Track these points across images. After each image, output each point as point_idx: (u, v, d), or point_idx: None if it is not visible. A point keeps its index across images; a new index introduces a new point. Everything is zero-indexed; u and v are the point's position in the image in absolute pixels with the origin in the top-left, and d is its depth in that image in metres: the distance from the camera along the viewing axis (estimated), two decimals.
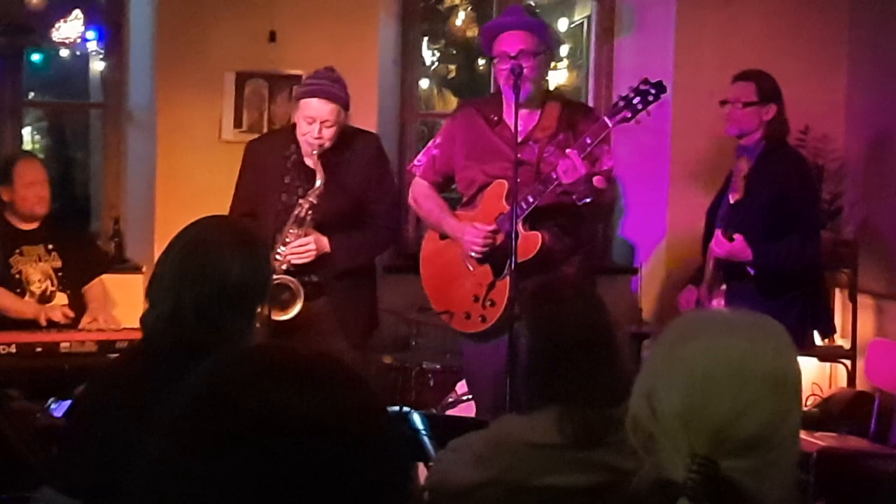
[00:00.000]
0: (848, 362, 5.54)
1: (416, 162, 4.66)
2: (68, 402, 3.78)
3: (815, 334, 5.07)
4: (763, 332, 1.65)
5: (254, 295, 2.35)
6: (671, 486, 1.56)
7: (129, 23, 5.85)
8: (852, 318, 5.59)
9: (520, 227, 4.16)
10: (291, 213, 4.39)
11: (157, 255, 2.52)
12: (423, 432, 3.19)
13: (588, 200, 4.18)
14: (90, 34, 5.98)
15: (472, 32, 7.56)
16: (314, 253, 4.37)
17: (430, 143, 4.68)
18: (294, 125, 4.49)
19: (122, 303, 5.28)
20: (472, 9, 7.33)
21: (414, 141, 6.14)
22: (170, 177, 5.61)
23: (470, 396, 4.72)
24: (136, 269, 5.53)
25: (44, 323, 4.78)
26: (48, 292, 4.98)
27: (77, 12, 5.92)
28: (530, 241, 4.17)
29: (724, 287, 4.63)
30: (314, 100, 4.38)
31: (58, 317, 4.81)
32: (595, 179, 4.30)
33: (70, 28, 5.92)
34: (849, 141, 5.97)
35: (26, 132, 7.20)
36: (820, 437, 4.63)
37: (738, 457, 1.56)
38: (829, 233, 5.66)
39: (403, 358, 5.12)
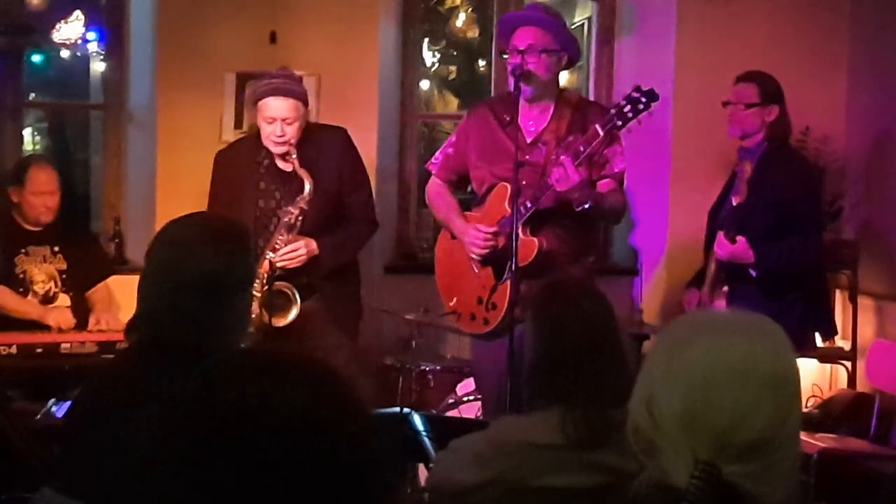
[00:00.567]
0: (848, 363, 5.53)
1: (433, 160, 4.66)
2: (69, 403, 3.78)
3: (817, 336, 5.07)
4: (762, 333, 1.64)
5: (230, 284, 2.33)
6: (673, 492, 1.56)
7: (129, 24, 5.85)
8: (853, 319, 5.59)
9: (520, 230, 4.15)
10: (270, 217, 4.43)
11: None
12: (424, 433, 3.19)
13: (587, 206, 4.14)
14: (91, 35, 5.99)
15: (473, 33, 7.58)
16: (305, 257, 4.40)
17: (446, 142, 4.68)
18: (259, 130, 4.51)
19: (123, 303, 5.27)
20: (472, 10, 7.34)
21: (414, 142, 6.14)
22: (170, 177, 5.61)
23: (471, 397, 4.72)
24: (137, 270, 5.51)
25: (52, 325, 4.77)
26: (51, 293, 4.98)
27: (78, 13, 5.92)
28: (527, 247, 4.16)
29: (725, 288, 4.63)
30: (270, 98, 4.41)
31: (64, 322, 4.80)
32: (601, 183, 4.28)
33: (71, 29, 5.92)
34: (849, 142, 5.97)
35: (27, 133, 7.21)
36: (820, 438, 4.63)
37: (740, 461, 1.55)
38: (830, 234, 5.66)
39: (404, 359, 5.11)
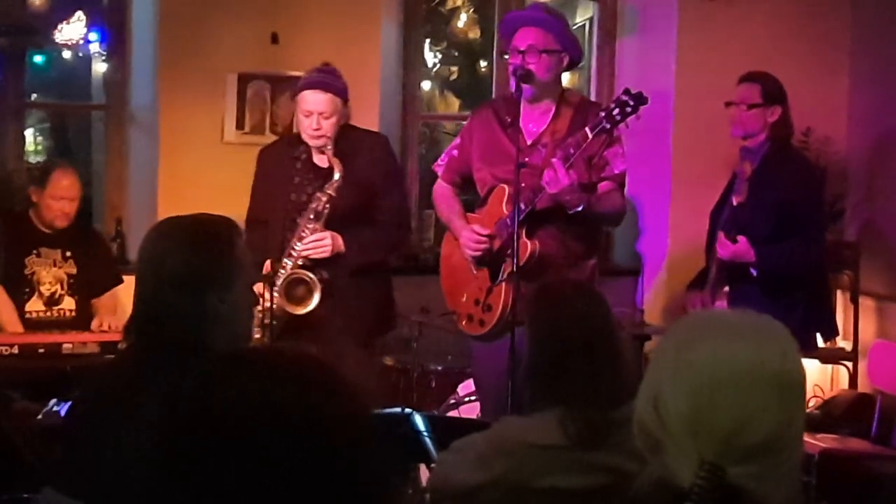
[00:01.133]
0: (850, 364, 5.53)
1: (438, 161, 4.65)
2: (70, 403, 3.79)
3: (818, 336, 5.07)
4: (769, 335, 1.64)
5: (202, 278, 2.34)
6: (676, 491, 1.56)
7: (131, 24, 5.85)
8: (854, 319, 5.59)
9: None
10: (301, 211, 4.40)
11: None
12: (425, 434, 3.19)
13: (579, 209, 4.13)
14: (92, 36, 5.99)
15: (474, 34, 7.58)
16: (330, 248, 4.37)
17: (451, 144, 4.68)
18: None
19: (127, 305, 5.27)
20: (473, 11, 7.34)
21: (416, 142, 6.14)
22: (172, 178, 5.61)
23: (473, 398, 4.72)
24: None
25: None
26: (56, 295, 4.99)
27: (79, 14, 5.92)
28: (521, 250, 4.16)
29: (727, 289, 4.63)
30: (308, 92, 4.40)
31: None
32: (601, 185, 4.28)
33: (72, 29, 5.93)
34: (851, 142, 5.97)
35: (29, 133, 7.22)
36: (821, 438, 4.63)
37: (745, 462, 1.55)
38: (831, 234, 5.66)
39: (405, 359, 5.11)
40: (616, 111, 4.08)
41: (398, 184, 4.64)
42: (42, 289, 4.96)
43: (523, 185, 4.09)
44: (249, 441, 1.13)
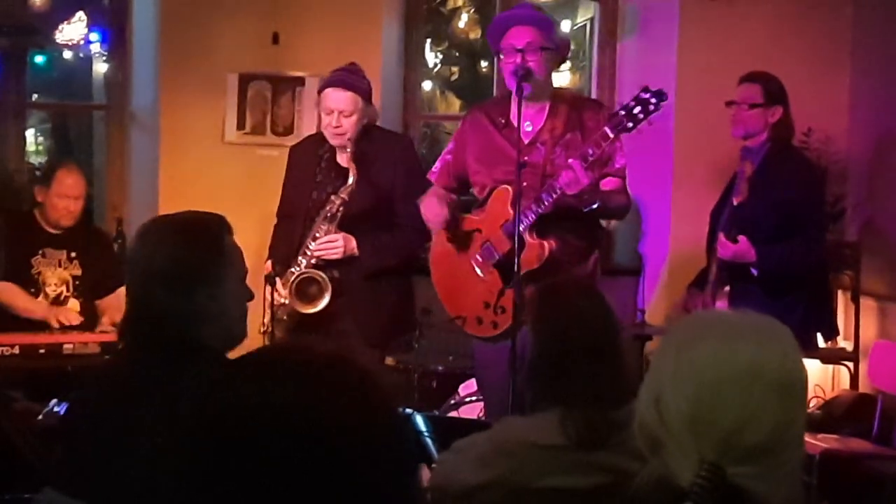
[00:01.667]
0: (850, 364, 5.53)
1: (433, 169, 4.62)
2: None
3: (819, 336, 5.07)
4: (771, 336, 1.64)
5: (192, 275, 2.34)
6: (676, 491, 1.56)
7: (132, 24, 5.86)
8: (855, 320, 5.58)
9: (527, 235, 4.16)
10: (320, 209, 4.41)
11: None
12: (426, 434, 3.19)
13: (594, 207, 4.16)
14: (94, 36, 6.00)
15: (475, 34, 7.57)
16: (341, 250, 4.38)
17: (445, 150, 4.65)
18: None
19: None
20: (474, 11, 7.35)
21: (417, 142, 6.14)
22: (173, 178, 5.61)
23: (474, 398, 4.72)
24: None
25: (55, 325, 4.78)
26: (62, 297, 4.99)
27: (80, 14, 5.93)
28: (536, 251, 4.16)
29: (727, 289, 4.63)
30: (330, 90, 4.41)
31: (70, 318, 4.81)
32: (605, 181, 4.28)
33: (74, 30, 5.93)
34: (852, 143, 5.97)
35: (30, 134, 7.21)
36: (822, 439, 4.63)
37: (745, 462, 1.55)
38: (832, 234, 5.66)
39: (406, 360, 5.11)
40: (638, 109, 4.08)
41: (418, 187, 4.53)
42: (48, 290, 4.96)
43: (525, 183, 4.09)
44: (253, 441, 1.13)
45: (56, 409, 4.08)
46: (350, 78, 4.42)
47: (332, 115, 4.38)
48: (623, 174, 4.35)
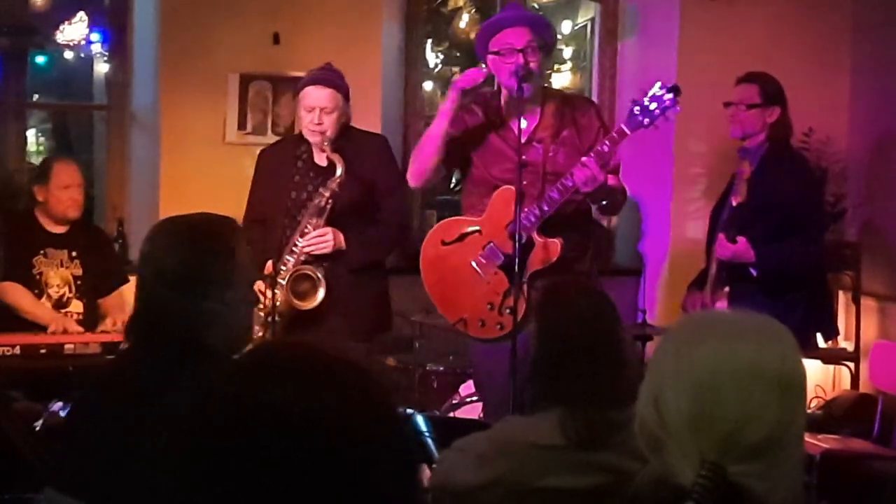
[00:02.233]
0: (851, 364, 5.54)
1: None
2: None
3: (818, 336, 5.07)
4: (770, 335, 1.65)
5: (202, 279, 2.34)
6: (676, 490, 1.56)
7: (132, 25, 5.85)
8: (855, 320, 5.59)
9: (535, 234, 4.16)
10: (301, 209, 4.42)
11: None
12: (427, 434, 3.19)
13: (604, 204, 4.23)
14: (94, 36, 6.00)
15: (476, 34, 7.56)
16: (332, 245, 4.38)
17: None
18: None
19: (130, 303, 5.27)
20: (475, 11, 7.34)
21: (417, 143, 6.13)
22: (173, 178, 5.61)
23: (474, 398, 4.71)
24: None
25: (59, 331, 4.76)
26: (65, 298, 4.98)
27: (81, 14, 5.93)
28: (550, 249, 4.16)
29: (727, 289, 4.63)
30: (311, 88, 4.44)
31: (70, 329, 4.80)
32: (608, 179, 4.29)
33: (74, 30, 5.93)
34: (852, 143, 5.97)
35: (30, 134, 7.21)
36: (823, 439, 4.62)
37: (746, 461, 1.56)
38: (833, 235, 5.66)
39: (407, 360, 5.11)
40: (653, 106, 4.09)
41: (397, 184, 4.63)
42: (50, 291, 4.96)
43: (525, 182, 4.10)
44: (255, 442, 1.13)
45: (60, 411, 4.07)
46: (330, 76, 4.46)
47: (314, 112, 4.40)
48: (619, 170, 4.38)
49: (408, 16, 6.06)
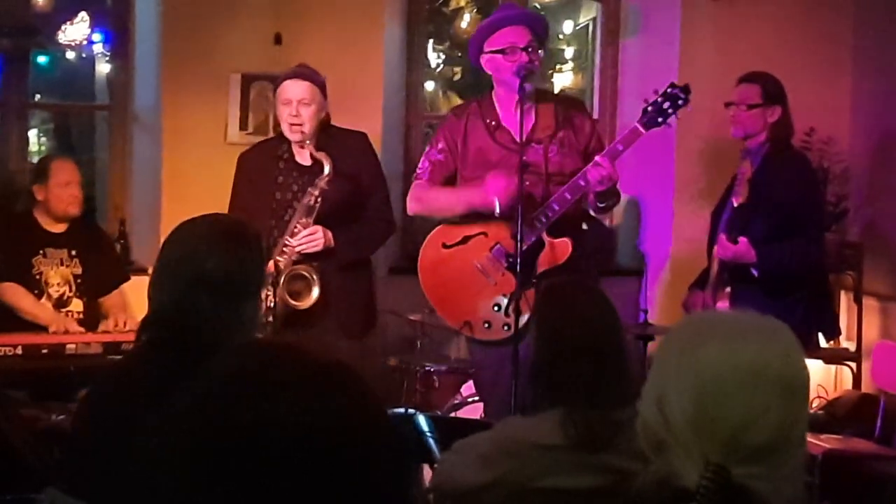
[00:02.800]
0: (853, 364, 5.53)
1: (418, 171, 4.55)
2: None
3: (820, 336, 5.07)
4: (773, 335, 1.64)
5: (239, 285, 2.32)
6: (679, 492, 1.56)
7: (134, 25, 5.86)
8: (857, 320, 5.58)
9: (544, 236, 4.18)
10: (287, 209, 4.43)
11: None
12: (429, 434, 3.19)
13: (608, 203, 4.30)
14: (96, 36, 6.00)
15: None
16: (322, 243, 4.39)
17: (428, 151, 4.56)
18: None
19: (131, 302, 5.27)
20: (477, 11, 7.34)
21: (419, 143, 6.13)
22: (175, 178, 5.62)
23: (476, 398, 4.71)
24: (142, 271, 5.53)
25: (60, 332, 4.75)
26: (65, 297, 4.98)
27: (83, 14, 5.93)
28: (561, 249, 4.17)
29: (728, 289, 4.63)
30: (288, 82, 4.47)
31: (74, 329, 4.80)
32: None
33: (76, 30, 5.94)
34: (854, 143, 5.96)
35: (32, 134, 7.21)
36: (825, 439, 4.62)
37: (749, 463, 1.56)
38: (835, 235, 5.66)
39: (408, 360, 5.11)
40: (667, 104, 4.13)
41: (381, 181, 4.67)
42: (50, 290, 4.96)
43: (528, 183, 4.11)
44: (257, 444, 1.13)
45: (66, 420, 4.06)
46: (306, 70, 4.50)
47: (291, 105, 4.42)
48: None
49: (409, 16, 6.06)
